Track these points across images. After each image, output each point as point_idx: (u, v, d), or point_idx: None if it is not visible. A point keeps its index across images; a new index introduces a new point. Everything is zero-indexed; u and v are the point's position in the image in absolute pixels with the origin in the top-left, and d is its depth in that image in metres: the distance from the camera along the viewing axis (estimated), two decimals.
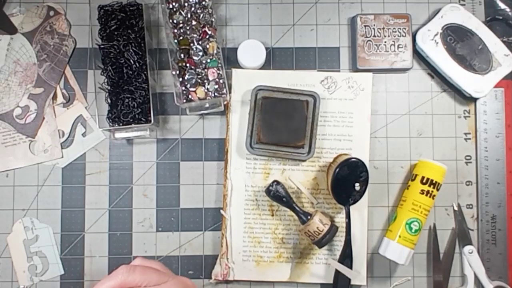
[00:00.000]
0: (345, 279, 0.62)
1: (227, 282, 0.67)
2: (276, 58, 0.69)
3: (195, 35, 0.65)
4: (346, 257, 0.63)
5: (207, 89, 0.64)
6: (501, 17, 0.70)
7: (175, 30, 0.65)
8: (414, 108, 0.69)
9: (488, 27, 0.67)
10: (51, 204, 0.67)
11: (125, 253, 0.67)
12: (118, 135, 0.65)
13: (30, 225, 0.67)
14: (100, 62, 0.66)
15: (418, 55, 0.69)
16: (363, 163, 0.61)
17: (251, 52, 0.66)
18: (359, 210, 0.66)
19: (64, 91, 0.69)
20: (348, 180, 0.61)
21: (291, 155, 0.65)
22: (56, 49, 0.69)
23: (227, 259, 0.65)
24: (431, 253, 0.67)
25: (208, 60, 0.64)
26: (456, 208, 0.67)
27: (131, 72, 0.65)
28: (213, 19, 0.65)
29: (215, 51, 0.64)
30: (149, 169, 0.68)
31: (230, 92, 0.67)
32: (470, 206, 0.68)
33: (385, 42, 0.68)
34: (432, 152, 0.68)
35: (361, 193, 0.62)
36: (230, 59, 0.69)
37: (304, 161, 0.66)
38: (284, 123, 0.64)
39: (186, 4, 0.65)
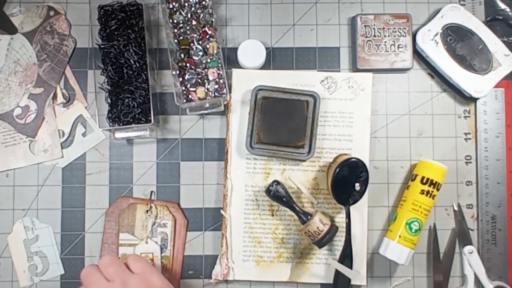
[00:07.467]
0: (345, 279, 0.62)
1: (227, 282, 0.67)
2: (276, 58, 0.69)
3: (195, 35, 0.65)
4: (346, 257, 0.63)
5: (207, 89, 0.64)
6: (501, 17, 0.70)
7: (175, 30, 0.65)
8: (414, 108, 0.69)
9: (488, 27, 0.67)
10: (51, 204, 0.67)
11: None
12: (118, 135, 0.65)
13: (30, 225, 0.67)
14: (100, 62, 0.66)
15: (418, 55, 0.69)
16: (363, 163, 0.61)
17: (251, 52, 0.66)
18: (359, 210, 0.66)
19: (64, 91, 0.69)
20: (348, 180, 0.61)
21: (291, 155, 0.65)
22: (56, 49, 0.69)
23: (227, 259, 0.65)
24: (431, 253, 0.67)
25: (208, 60, 0.64)
26: (456, 208, 0.67)
27: (131, 72, 0.65)
28: (213, 19, 0.65)
29: (215, 51, 0.64)
30: (149, 169, 0.68)
31: (230, 92, 0.67)
32: (470, 206, 0.68)
33: (385, 42, 0.68)
34: (432, 152, 0.68)
35: (361, 193, 0.62)
36: (230, 59, 0.69)
37: (304, 161, 0.66)
38: (284, 123, 0.64)
39: (186, 4, 0.65)
